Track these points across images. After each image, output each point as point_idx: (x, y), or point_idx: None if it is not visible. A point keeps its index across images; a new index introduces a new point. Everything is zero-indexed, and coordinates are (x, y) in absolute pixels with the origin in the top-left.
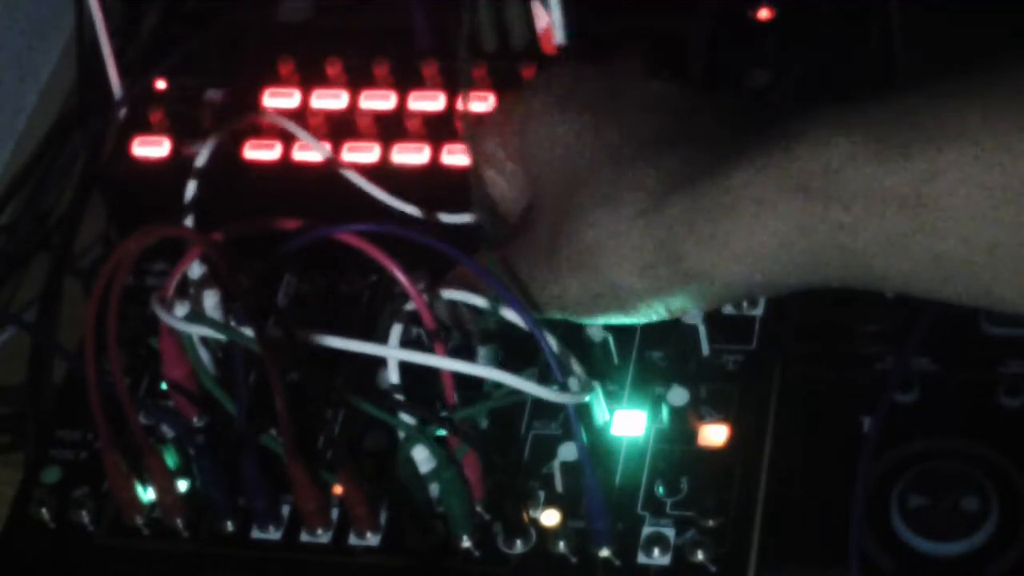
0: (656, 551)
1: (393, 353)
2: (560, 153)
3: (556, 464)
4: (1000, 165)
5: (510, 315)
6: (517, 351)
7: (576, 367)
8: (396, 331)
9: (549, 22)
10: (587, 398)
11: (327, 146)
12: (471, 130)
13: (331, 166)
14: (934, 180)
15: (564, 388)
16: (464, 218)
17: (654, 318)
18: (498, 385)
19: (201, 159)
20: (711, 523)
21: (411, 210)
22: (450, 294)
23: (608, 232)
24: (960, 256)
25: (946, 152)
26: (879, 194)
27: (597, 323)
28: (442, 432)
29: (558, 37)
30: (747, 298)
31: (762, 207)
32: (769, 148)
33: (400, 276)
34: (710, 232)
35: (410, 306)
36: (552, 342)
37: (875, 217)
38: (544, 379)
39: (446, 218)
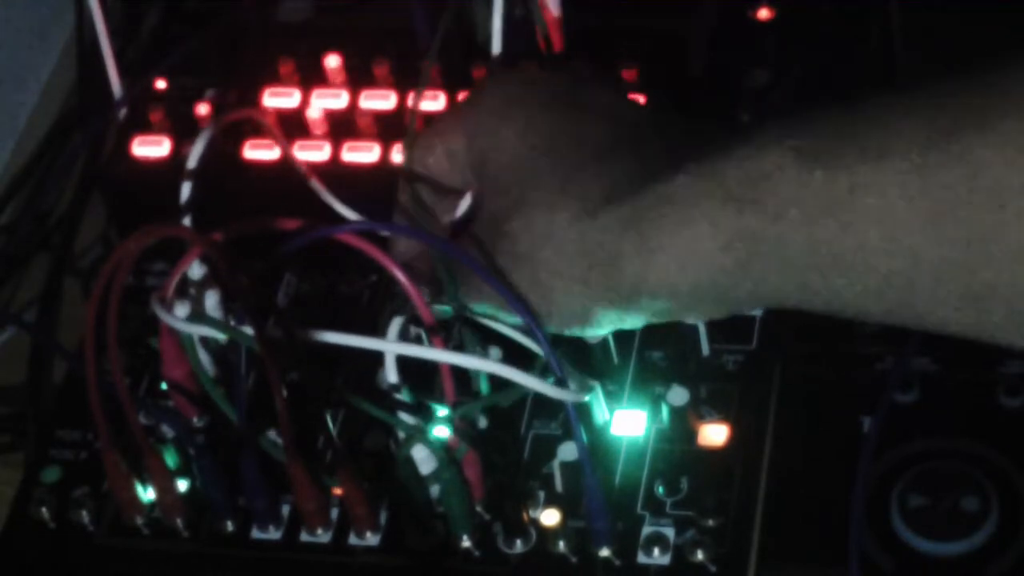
0: (656, 551)
1: (391, 347)
2: (507, 157)
3: (556, 464)
4: (930, 181)
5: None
6: (517, 355)
7: (575, 371)
8: (395, 324)
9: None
10: (587, 397)
11: (311, 147)
12: (415, 133)
13: (287, 164)
14: (859, 193)
15: (563, 385)
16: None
17: (593, 331)
18: (495, 384)
19: (193, 158)
20: (711, 523)
21: (350, 213)
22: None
23: (544, 237)
24: (884, 271)
25: (874, 166)
26: (807, 205)
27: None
28: (442, 432)
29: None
30: (690, 315)
31: (696, 215)
32: (706, 158)
33: (400, 275)
34: (645, 239)
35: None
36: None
37: (803, 228)
38: (543, 378)
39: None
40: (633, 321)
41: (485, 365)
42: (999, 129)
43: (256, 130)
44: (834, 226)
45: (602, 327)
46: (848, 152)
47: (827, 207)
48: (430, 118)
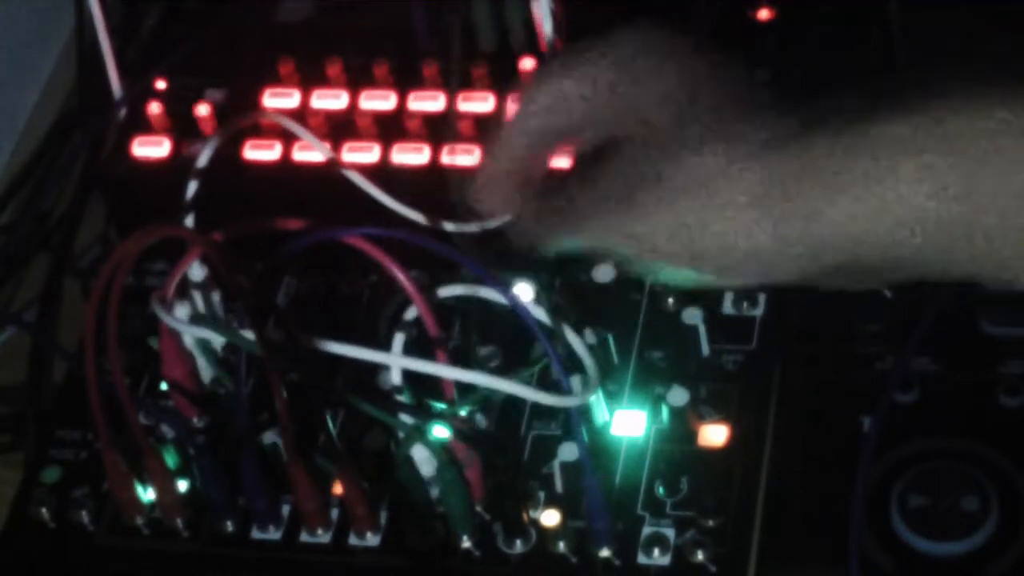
0: (656, 551)
1: (396, 361)
2: (656, 102)
3: (556, 464)
4: None
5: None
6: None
7: (588, 361)
8: (399, 339)
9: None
10: (590, 398)
11: (326, 146)
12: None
13: (333, 167)
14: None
15: (568, 389)
16: (468, 227)
17: (734, 280)
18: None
19: (203, 159)
20: (711, 523)
21: (410, 212)
22: (448, 290)
23: (702, 177)
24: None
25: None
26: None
27: (660, 272)
28: (441, 432)
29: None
30: (841, 276)
31: (893, 166)
32: (902, 109)
33: (404, 280)
34: (829, 187)
35: (413, 311)
36: (564, 340)
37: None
38: (546, 380)
39: (450, 227)
40: (787, 272)
41: (486, 380)
42: None
43: (256, 130)
44: None
45: (747, 275)
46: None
47: None
48: (429, 118)
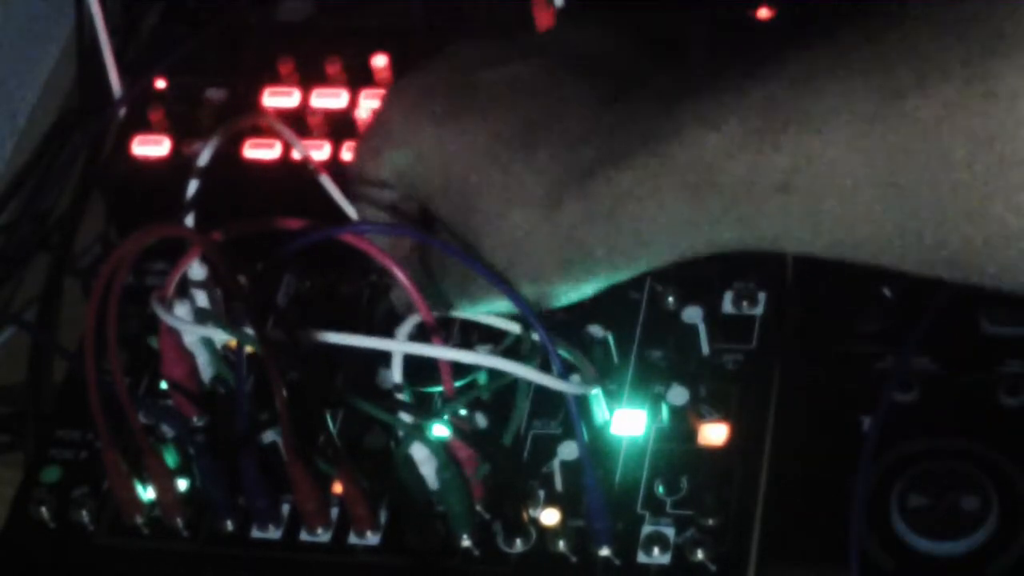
0: (656, 550)
1: (398, 347)
2: (435, 168)
3: (556, 463)
4: (874, 137)
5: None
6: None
7: (586, 362)
8: (407, 325)
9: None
10: (593, 391)
11: (311, 146)
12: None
13: (332, 166)
14: (809, 164)
15: (564, 378)
16: None
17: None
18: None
19: (203, 159)
20: (711, 522)
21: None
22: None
23: (514, 248)
24: (844, 229)
25: (817, 134)
26: (758, 184)
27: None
28: (441, 431)
29: None
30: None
31: (652, 202)
32: (651, 144)
33: (400, 276)
34: (612, 226)
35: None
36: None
37: (758, 205)
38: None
39: None
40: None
41: (488, 360)
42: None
43: (256, 130)
44: (786, 201)
45: (573, 299)
46: (784, 125)
47: (775, 184)
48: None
